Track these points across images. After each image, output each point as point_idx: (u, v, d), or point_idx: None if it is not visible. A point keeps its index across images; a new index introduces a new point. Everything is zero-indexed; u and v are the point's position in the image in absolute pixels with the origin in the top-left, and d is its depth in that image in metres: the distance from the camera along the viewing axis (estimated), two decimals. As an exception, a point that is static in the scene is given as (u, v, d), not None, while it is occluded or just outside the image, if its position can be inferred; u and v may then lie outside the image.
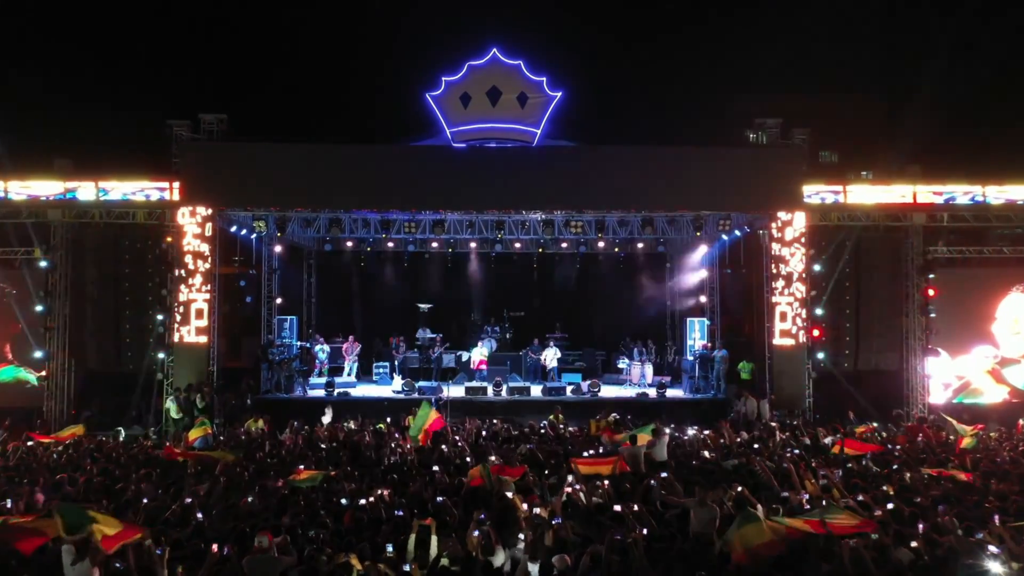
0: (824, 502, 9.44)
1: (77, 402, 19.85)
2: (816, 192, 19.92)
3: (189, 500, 9.31)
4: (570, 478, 10.50)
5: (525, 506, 9.44)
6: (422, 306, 24.95)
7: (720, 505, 9.28)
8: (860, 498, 9.73)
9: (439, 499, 9.42)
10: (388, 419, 16.62)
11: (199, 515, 8.82)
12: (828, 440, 14.71)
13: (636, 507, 9.05)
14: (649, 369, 22.82)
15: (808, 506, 9.47)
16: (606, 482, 10.55)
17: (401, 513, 9.00)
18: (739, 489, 9.86)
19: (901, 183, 20.18)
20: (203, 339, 19.16)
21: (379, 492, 9.71)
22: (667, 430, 14.65)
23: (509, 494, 9.77)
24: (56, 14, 24.72)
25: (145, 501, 9.53)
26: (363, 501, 9.44)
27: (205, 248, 19.24)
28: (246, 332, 23.72)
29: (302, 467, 11.35)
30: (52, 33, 24.80)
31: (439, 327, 24.42)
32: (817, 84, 29.94)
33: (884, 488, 10.37)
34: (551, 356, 22.59)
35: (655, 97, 24.67)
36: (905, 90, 27.54)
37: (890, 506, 9.17)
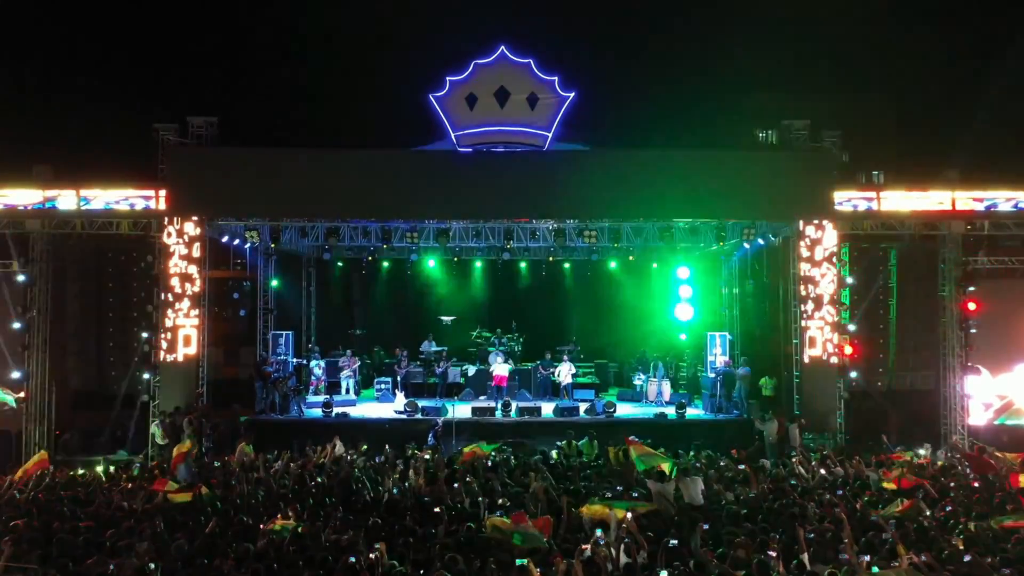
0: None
1: (58, 424, 18.67)
2: (848, 199, 18.62)
3: (152, 565, 8.02)
4: (599, 532, 9.20)
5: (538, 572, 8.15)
6: (445, 318, 24.08)
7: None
8: (924, 559, 8.36)
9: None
10: (389, 449, 15.28)
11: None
12: (872, 475, 13.37)
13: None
14: (667, 386, 21.58)
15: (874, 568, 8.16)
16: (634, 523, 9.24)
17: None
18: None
19: (939, 188, 18.82)
20: (192, 362, 18.15)
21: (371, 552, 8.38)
22: (695, 463, 13.35)
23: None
24: (32, 8, 23.30)
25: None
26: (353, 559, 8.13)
27: (193, 269, 18.22)
28: (244, 343, 22.59)
29: (279, 515, 10.03)
30: (28, 29, 23.37)
31: (443, 339, 23.37)
32: (818, 84, 28.51)
33: (954, 543, 9.06)
34: (565, 371, 21.34)
35: (673, 97, 23.28)
36: (921, 89, 25.98)
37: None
